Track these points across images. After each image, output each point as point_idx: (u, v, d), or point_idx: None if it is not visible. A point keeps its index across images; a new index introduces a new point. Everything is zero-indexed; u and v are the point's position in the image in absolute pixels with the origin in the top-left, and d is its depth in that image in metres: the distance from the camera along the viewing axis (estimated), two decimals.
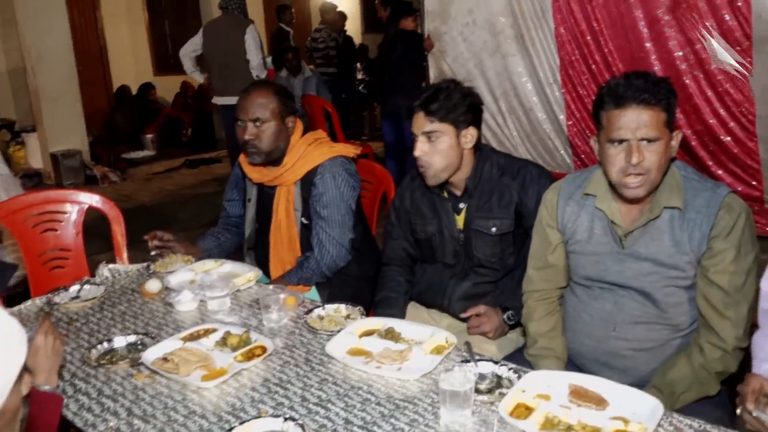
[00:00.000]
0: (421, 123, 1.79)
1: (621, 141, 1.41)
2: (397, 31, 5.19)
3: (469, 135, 1.82)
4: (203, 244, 2.29)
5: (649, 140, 1.40)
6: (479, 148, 1.88)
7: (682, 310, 1.54)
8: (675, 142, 1.46)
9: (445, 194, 1.91)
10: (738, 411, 1.23)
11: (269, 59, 8.08)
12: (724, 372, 1.49)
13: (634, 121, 1.39)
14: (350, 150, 2.24)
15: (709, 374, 1.48)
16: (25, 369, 0.90)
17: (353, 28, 9.69)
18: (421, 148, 1.79)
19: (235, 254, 2.33)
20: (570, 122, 4.60)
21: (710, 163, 4.05)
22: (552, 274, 1.69)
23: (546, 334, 1.67)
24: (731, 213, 1.45)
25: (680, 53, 3.97)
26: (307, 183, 2.14)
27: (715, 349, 1.48)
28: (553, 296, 1.71)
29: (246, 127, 2.08)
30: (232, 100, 5.26)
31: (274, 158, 2.13)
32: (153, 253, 2.17)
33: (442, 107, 1.76)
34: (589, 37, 4.33)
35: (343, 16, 7.64)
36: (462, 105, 1.78)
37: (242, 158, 2.25)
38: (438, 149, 1.78)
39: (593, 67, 4.38)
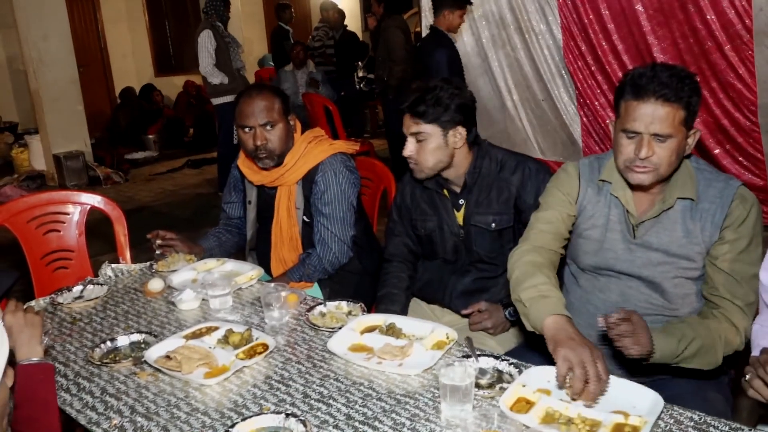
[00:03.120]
0: (408, 124, 1.82)
1: (634, 133, 1.41)
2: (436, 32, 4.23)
3: (458, 134, 1.82)
4: (205, 243, 2.30)
5: (661, 137, 1.38)
6: (478, 143, 1.89)
7: (688, 302, 1.54)
8: (691, 140, 1.45)
9: (445, 192, 1.92)
10: (747, 377, 1.23)
11: (269, 57, 8.09)
12: (729, 348, 1.44)
13: (650, 115, 1.37)
14: (350, 147, 2.24)
15: (720, 339, 1.42)
16: (8, 364, 0.92)
17: (354, 25, 9.69)
18: (409, 148, 1.83)
19: (237, 254, 2.34)
20: (581, 113, 4.60)
21: (715, 152, 4.06)
22: (549, 230, 1.61)
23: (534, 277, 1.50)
24: (744, 204, 1.45)
25: (683, 45, 3.98)
26: (309, 181, 2.14)
27: (728, 327, 1.45)
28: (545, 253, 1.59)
29: (256, 133, 2.04)
30: (216, 100, 5.31)
31: (283, 158, 2.12)
32: (157, 251, 2.18)
33: (427, 109, 1.78)
34: (596, 28, 4.33)
35: (341, 14, 7.65)
36: (450, 106, 1.79)
37: (241, 160, 2.25)
38: (425, 149, 1.82)
39: (600, 60, 4.39)
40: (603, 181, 1.58)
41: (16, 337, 1.31)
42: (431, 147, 1.81)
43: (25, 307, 1.65)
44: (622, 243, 1.56)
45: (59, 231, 2.40)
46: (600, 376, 1.23)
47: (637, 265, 1.55)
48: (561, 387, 1.27)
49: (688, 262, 1.50)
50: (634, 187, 1.52)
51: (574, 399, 1.26)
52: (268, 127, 2.05)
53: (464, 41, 4.97)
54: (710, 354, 1.42)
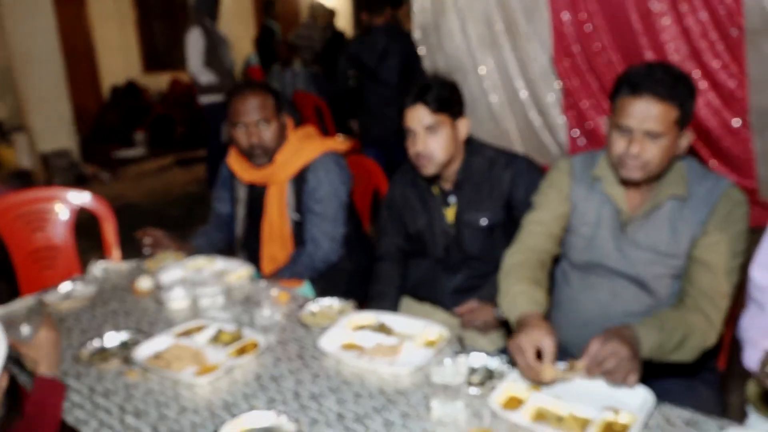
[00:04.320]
0: (422, 116, 1.77)
1: (626, 129, 1.42)
2: (381, 28, 4.12)
3: (463, 126, 1.83)
4: (195, 241, 2.28)
5: (653, 134, 1.40)
6: (469, 141, 1.89)
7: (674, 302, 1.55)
8: (685, 141, 1.46)
9: (435, 189, 1.92)
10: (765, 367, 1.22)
11: (254, 56, 8.04)
12: (707, 340, 1.44)
13: (643, 112, 1.39)
14: (341, 145, 2.23)
15: (696, 329, 1.41)
16: (4, 368, 0.89)
17: (344, 24, 9.66)
18: (422, 142, 1.78)
19: (226, 252, 2.33)
20: (567, 116, 4.61)
21: (704, 154, 4.08)
22: (540, 230, 1.63)
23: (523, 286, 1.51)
24: (729, 201, 1.46)
25: (673, 45, 4.00)
26: (300, 179, 2.13)
27: (702, 320, 1.44)
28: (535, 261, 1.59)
29: (249, 130, 2.04)
30: (205, 99, 5.27)
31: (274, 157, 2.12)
32: (145, 249, 2.16)
33: (438, 98, 1.76)
34: (585, 30, 4.35)
35: (332, 13, 7.66)
36: (453, 96, 1.80)
37: (231, 158, 2.24)
38: (439, 141, 1.78)
39: (590, 60, 4.40)
40: (595, 177, 1.59)
41: (47, 351, 1.38)
42: (444, 138, 1.78)
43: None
44: (612, 240, 1.57)
45: (46, 229, 2.38)
46: (535, 357, 1.27)
47: (626, 263, 1.55)
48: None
49: (675, 260, 1.51)
50: (626, 183, 1.53)
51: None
52: (262, 125, 2.04)
53: (454, 41, 4.97)
54: (690, 343, 1.41)
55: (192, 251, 2.22)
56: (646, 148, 1.41)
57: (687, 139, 1.46)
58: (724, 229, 1.46)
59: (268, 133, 2.05)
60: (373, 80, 4.15)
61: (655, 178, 1.50)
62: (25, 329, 1.42)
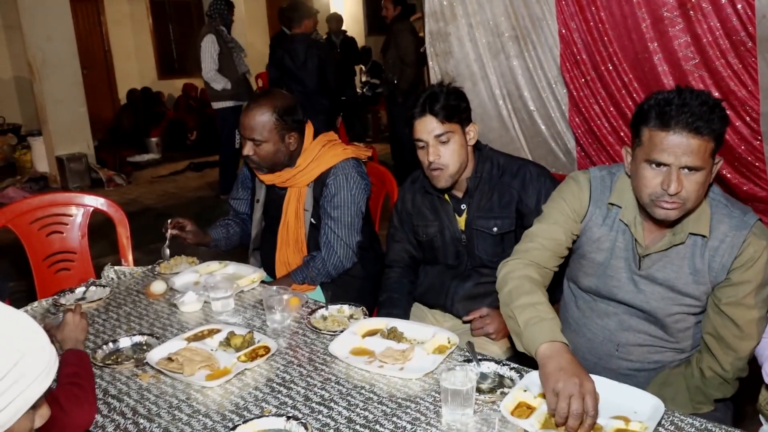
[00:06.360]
0: (432, 126, 1.77)
1: (661, 164, 1.31)
2: (299, 37, 4.73)
3: (472, 131, 1.83)
4: (213, 233, 2.30)
5: (692, 169, 1.29)
6: (479, 148, 1.90)
7: (688, 335, 1.52)
8: (715, 169, 1.36)
9: (446, 197, 1.92)
10: None
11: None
12: (721, 398, 1.49)
13: (681, 146, 1.27)
14: (362, 152, 2.25)
15: (704, 396, 1.49)
16: (48, 396, 0.89)
17: (356, 29, 9.72)
18: (434, 153, 1.78)
19: (240, 252, 2.34)
20: (575, 123, 4.60)
21: None
22: (551, 247, 1.52)
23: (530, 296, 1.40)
24: (757, 245, 1.37)
25: (685, 53, 3.98)
26: (320, 183, 2.14)
27: (716, 376, 1.47)
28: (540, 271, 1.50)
29: (246, 143, 2.09)
30: (217, 105, 5.46)
31: (276, 169, 2.14)
32: (168, 238, 2.14)
33: (446, 107, 1.76)
34: (593, 37, 4.33)
35: (339, 21, 7.78)
36: (460, 103, 1.80)
37: None
38: (451, 150, 1.78)
39: (598, 68, 4.39)
40: (612, 204, 1.50)
41: (69, 333, 1.58)
42: (455, 147, 1.79)
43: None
44: (625, 272, 1.49)
45: (62, 233, 2.41)
46: (583, 412, 1.14)
47: (639, 297, 1.49)
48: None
49: (692, 299, 1.46)
50: (650, 218, 1.41)
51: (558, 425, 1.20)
52: (256, 143, 2.07)
53: (464, 48, 4.99)
54: (694, 409, 1.47)
55: (210, 243, 2.26)
56: (684, 184, 1.30)
57: (717, 166, 1.37)
58: (749, 278, 1.38)
59: (261, 152, 2.07)
60: (294, 82, 4.63)
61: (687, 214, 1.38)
62: (59, 316, 1.68)
